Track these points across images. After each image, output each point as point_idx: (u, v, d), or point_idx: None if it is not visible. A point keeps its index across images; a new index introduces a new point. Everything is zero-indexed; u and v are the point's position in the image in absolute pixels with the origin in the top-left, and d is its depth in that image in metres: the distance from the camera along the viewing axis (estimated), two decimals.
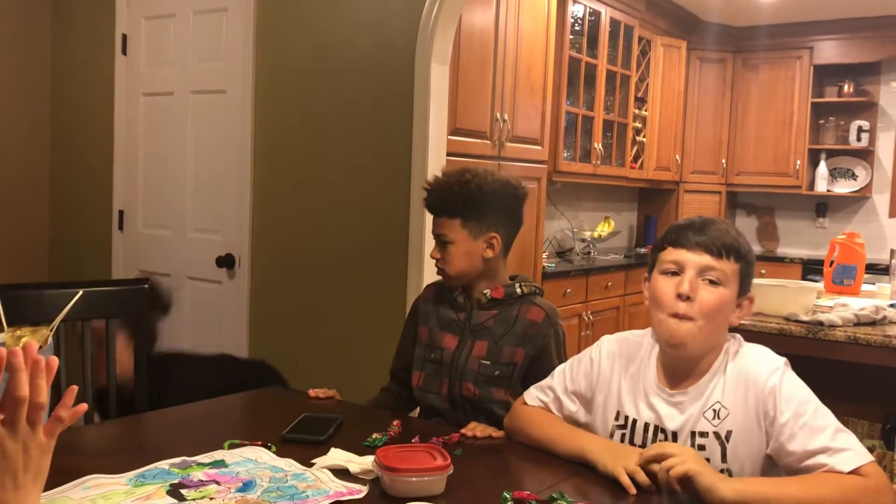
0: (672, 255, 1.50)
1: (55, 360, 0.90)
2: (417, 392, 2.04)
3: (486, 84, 3.62)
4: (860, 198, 6.08)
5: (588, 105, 4.90)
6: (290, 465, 1.48)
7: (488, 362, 1.94)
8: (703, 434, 1.49)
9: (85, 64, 4.08)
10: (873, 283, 3.63)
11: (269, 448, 1.57)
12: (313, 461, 1.50)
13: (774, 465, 1.46)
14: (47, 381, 0.90)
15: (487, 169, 2.01)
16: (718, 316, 1.48)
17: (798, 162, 6.02)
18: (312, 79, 3.32)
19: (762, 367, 1.48)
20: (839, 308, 2.70)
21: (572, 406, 1.68)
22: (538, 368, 1.90)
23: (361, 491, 1.37)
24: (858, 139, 5.96)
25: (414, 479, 1.35)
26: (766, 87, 6.13)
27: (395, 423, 1.73)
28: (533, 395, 1.74)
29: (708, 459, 1.46)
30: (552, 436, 1.62)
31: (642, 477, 1.41)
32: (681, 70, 5.92)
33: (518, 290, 1.98)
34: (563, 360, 1.91)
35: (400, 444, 1.51)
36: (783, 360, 1.49)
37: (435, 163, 3.10)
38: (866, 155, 6.02)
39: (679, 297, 1.46)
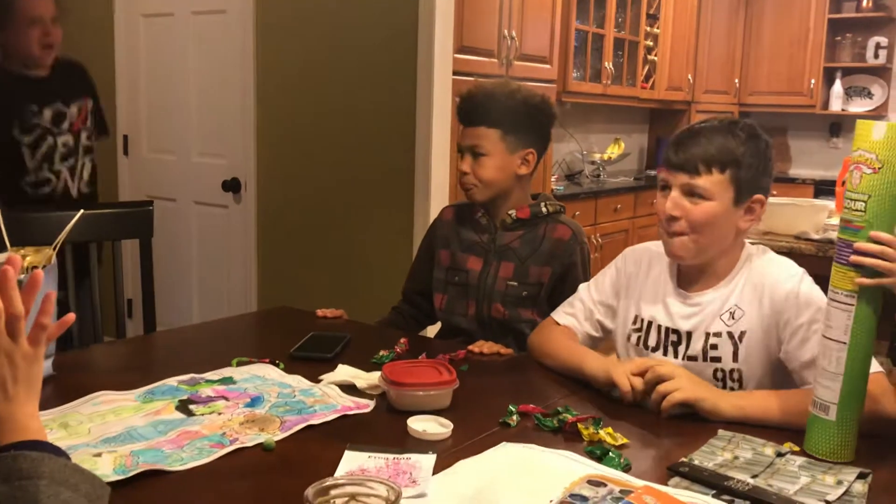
0: (662, 171, 1.52)
1: (39, 274, 0.89)
2: (440, 314, 2.03)
3: None
4: (876, 117, 5.96)
5: (598, 22, 4.78)
6: (297, 381, 1.49)
7: (515, 283, 1.92)
8: (717, 334, 1.50)
9: None
10: None
11: (277, 365, 1.58)
12: (321, 377, 1.51)
13: (786, 372, 1.47)
14: (31, 294, 0.88)
15: (524, 84, 1.96)
16: (711, 228, 1.48)
17: (812, 81, 5.89)
18: None
19: (780, 272, 1.49)
20: None
21: (600, 315, 1.69)
22: (564, 286, 1.88)
23: (368, 405, 1.38)
24: (876, 56, 5.82)
25: (420, 392, 1.36)
26: (781, 3, 5.95)
27: (402, 340, 1.73)
28: (561, 312, 1.75)
29: (719, 359, 1.49)
30: (561, 351, 1.63)
31: (640, 384, 1.41)
32: None
33: (543, 210, 1.95)
34: (588, 277, 1.89)
35: (406, 360, 1.51)
36: (802, 269, 1.50)
37: (441, 82, 3.04)
38: (883, 73, 5.88)
39: (668, 216, 1.49)
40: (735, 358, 1.49)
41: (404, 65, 3.04)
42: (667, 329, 1.56)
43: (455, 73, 3.12)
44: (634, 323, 1.62)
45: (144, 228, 2.23)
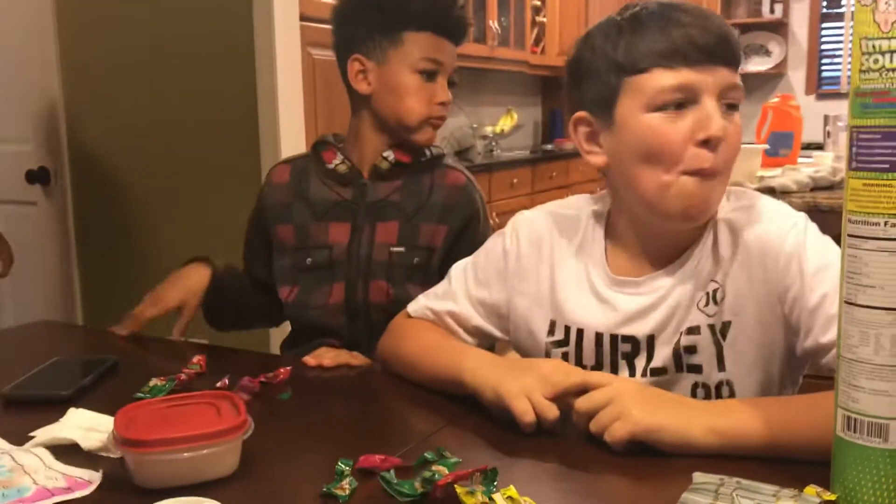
0: (670, 78, 0.90)
1: None
2: (291, 310, 1.43)
3: None
4: (775, 75, 5.70)
5: None
6: None
7: (402, 249, 1.37)
8: (693, 330, 0.96)
9: None
10: (809, 157, 3.21)
11: None
12: (33, 433, 0.90)
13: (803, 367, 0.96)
14: None
15: None
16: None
17: None
18: None
19: (771, 223, 0.95)
20: (789, 172, 2.23)
21: (480, 319, 1.12)
22: (462, 246, 1.34)
23: (90, 483, 0.79)
24: (772, 11, 5.55)
25: (178, 456, 0.76)
26: None
27: (196, 359, 1.13)
28: (421, 303, 1.16)
29: (699, 368, 0.95)
30: (427, 356, 1.05)
31: (552, 412, 0.87)
32: None
33: (427, 153, 1.42)
34: (489, 234, 1.32)
35: (172, 396, 0.92)
36: (802, 214, 0.96)
37: (286, 56, 2.48)
38: (780, 28, 5.63)
39: (705, 144, 0.90)
40: (721, 364, 0.95)
41: (240, 36, 2.46)
42: (613, 337, 0.99)
43: (302, 17, 2.54)
44: (552, 333, 1.04)
45: None
